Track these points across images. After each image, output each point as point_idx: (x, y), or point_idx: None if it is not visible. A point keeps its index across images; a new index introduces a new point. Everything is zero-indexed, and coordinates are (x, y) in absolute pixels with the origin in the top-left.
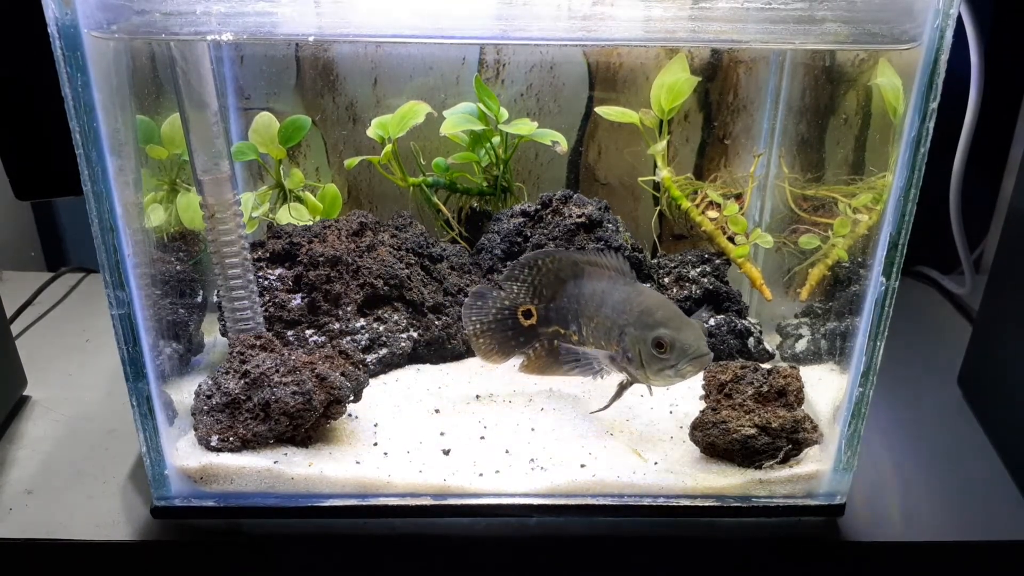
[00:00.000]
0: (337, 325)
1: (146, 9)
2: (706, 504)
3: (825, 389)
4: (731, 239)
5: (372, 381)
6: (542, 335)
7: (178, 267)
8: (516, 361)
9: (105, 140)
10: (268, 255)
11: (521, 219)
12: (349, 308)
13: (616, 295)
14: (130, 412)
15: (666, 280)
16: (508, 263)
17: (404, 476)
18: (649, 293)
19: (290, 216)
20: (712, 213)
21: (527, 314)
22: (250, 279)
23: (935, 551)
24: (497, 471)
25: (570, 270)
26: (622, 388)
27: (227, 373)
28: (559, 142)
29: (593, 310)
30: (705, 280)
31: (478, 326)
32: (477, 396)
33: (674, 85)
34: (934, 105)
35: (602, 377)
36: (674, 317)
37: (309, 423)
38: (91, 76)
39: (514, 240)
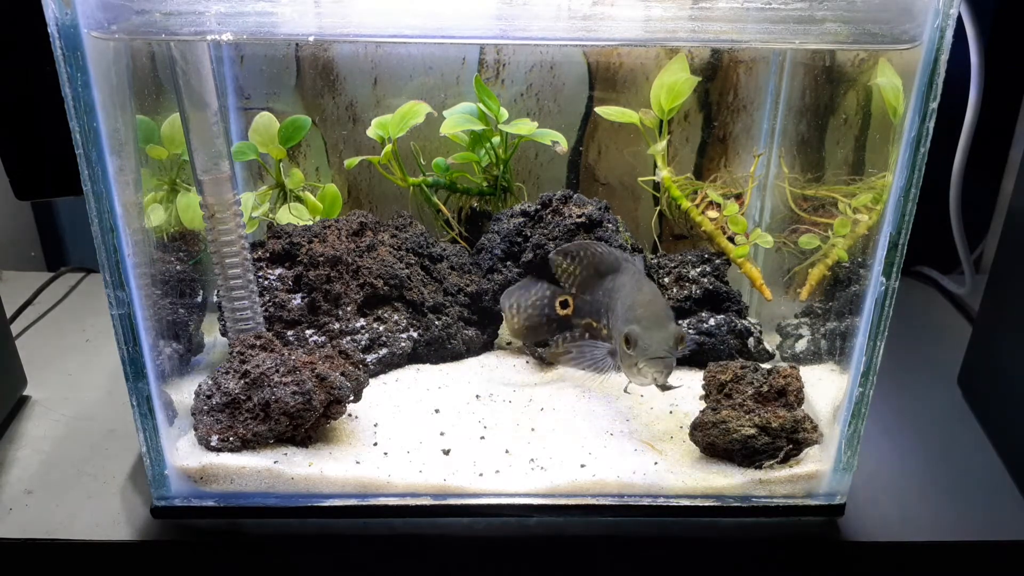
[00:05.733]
0: (337, 325)
1: (146, 9)
2: (706, 504)
3: (825, 389)
4: (731, 239)
5: (372, 381)
6: (575, 326)
7: (178, 267)
8: (516, 361)
9: (105, 140)
10: (268, 255)
11: (521, 219)
12: (349, 308)
13: (626, 290)
14: (130, 412)
15: (666, 280)
16: (508, 262)
17: (404, 476)
18: (646, 291)
19: (290, 216)
20: (712, 213)
21: (564, 304)
22: (250, 279)
23: (935, 551)
24: (497, 471)
25: (610, 265)
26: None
27: (227, 373)
28: (559, 142)
29: (613, 304)
30: (705, 280)
31: (516, 305)
32: (477, 396)
33: (674, 85)
34: (934, 105)
35: (605, 372)
36: (649, 316)
37: (309, 423)
38: (91, 76)
39: (514, 240)
